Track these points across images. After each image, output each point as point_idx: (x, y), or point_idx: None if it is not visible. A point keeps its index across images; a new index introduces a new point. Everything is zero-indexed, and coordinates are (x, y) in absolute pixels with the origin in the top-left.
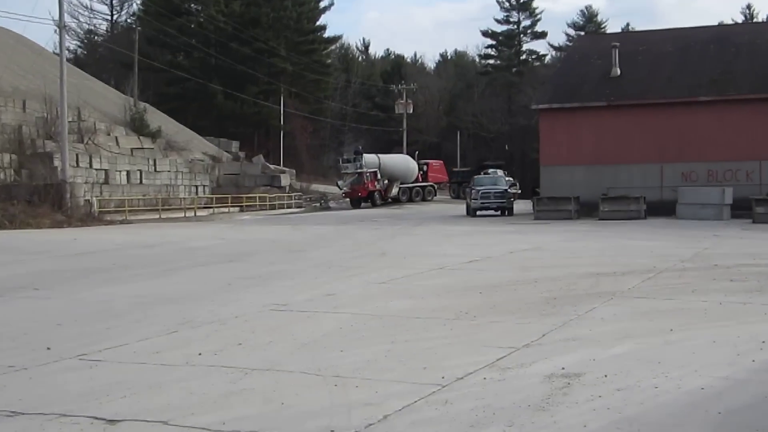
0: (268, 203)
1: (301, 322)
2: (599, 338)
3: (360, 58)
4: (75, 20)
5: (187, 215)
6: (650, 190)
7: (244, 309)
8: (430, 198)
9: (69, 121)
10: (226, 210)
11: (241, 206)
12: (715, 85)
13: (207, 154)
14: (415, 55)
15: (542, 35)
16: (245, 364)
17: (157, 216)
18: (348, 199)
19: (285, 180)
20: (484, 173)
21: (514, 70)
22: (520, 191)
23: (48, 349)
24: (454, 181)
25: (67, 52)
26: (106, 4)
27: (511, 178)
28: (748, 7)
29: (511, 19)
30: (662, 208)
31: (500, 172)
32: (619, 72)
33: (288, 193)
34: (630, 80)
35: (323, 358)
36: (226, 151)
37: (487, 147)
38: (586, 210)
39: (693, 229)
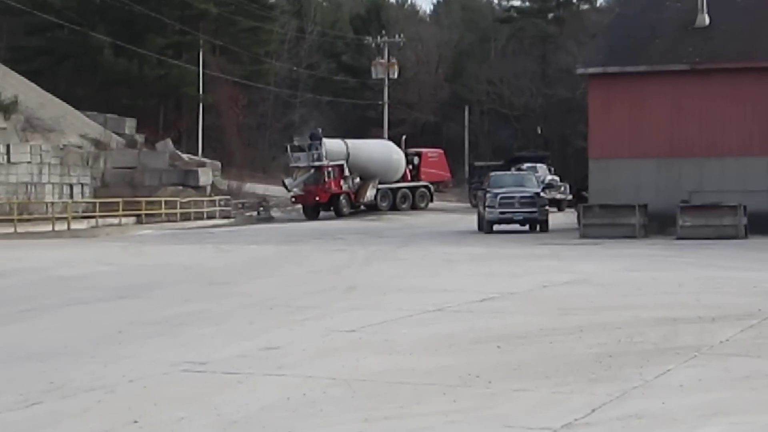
0: (179, 211)
1: (229, 390)
2: (677, 415)
3: None
4: None
5: (57, 229)
6: (753, 196)
7: (143, 369)
8: (423, 205)
9: None
10: (116, 221)
11: (139, 215)
12: None
13: (88, 138)
14: None
15: None
16: None
17: (12, 230)
18: (300, 206)
19: (205, 177)
20: (517, 169)
21: (550, 15)
22: (570, 197)
23: None
24: (475, 182)
25: None
26: None
27: (557, 178)
28: None
29: None
30: None
31: (541, 169)
32: (707, 20)
33: (210, 196)
34: (724, 33)
35: None
36: (116, 134)
37: (510, 130)
38: (658, 224)
39: None
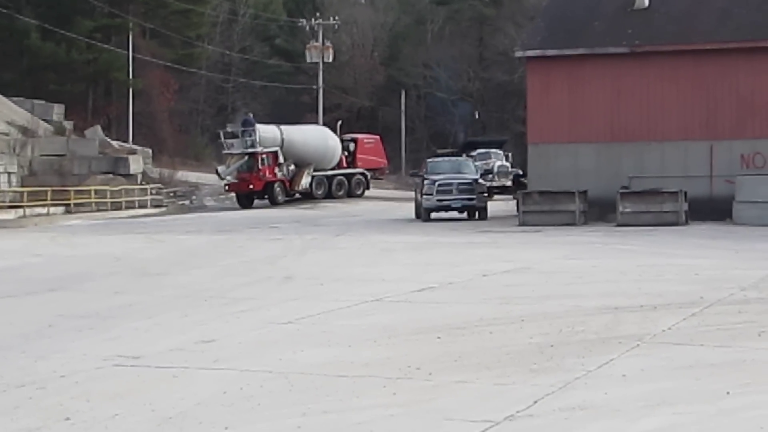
0: (109, 200)
1: (163, 385)
2: (620, 406)
3: None
4: None
5: None
6: (694, 182)
7: (74, 364)
8: (359, 192)
9: None
10: (44, 211)
11: (68, 205)
12: None
13: (14, 125)
14: None
15: None
16: None
17: None
18: (234, 194)
19: (136, 165)
20: (467, 156)
21: None
22: (510, 184)
23: None
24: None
25: None
26: None
27: (507, 164)
28: None
29: None
30: (712, 209)
31: (495, 155)
32: (647, 2)
33: (141, 184)
34: (664, 15)
35: None
36: (43, 120)
37: (448, 115)
38: (598, 211)
39: (758, 240)
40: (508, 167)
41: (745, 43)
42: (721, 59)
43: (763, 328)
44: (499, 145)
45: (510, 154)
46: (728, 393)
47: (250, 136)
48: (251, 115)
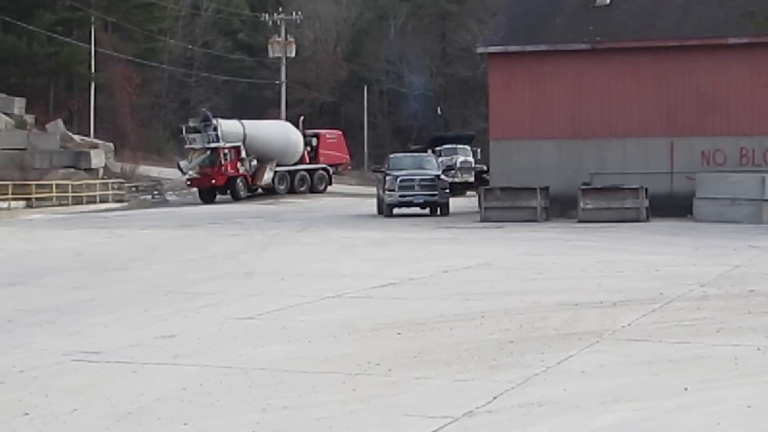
0: (71, 195)
1: (123, 380)
2: (579, 402)
3: None
4: None
5: None
6: (655, 178)
7: (34, 359)
8: (322, 188)
9: None
10: (5, 205)
11: (29, 199)
12: (752, 21)
13: None
14: None
15: None
16: None
17: None
18: (196, 189)
19: (98, 159)
20: (432, 151)
21: None
22: (472, 180)
23: None
24: None
25: None
26: None
27: (471, 160)
28: None
29: None
30: (672, 205)
31: (462, 151)
32: None
33: (103, 178)
34: (625, 11)
35: None
36: (4, 114)
37: (410, 110)
38: (559, 207)
39: (718, 236)
40: (471, 163)
41: (706, 40)
42: (682, 56)
43: (721, 324)
44: (468, 141)
45: (479, 150)
46: (686, 389)
47: (213, 131)
48: (204, 110)
